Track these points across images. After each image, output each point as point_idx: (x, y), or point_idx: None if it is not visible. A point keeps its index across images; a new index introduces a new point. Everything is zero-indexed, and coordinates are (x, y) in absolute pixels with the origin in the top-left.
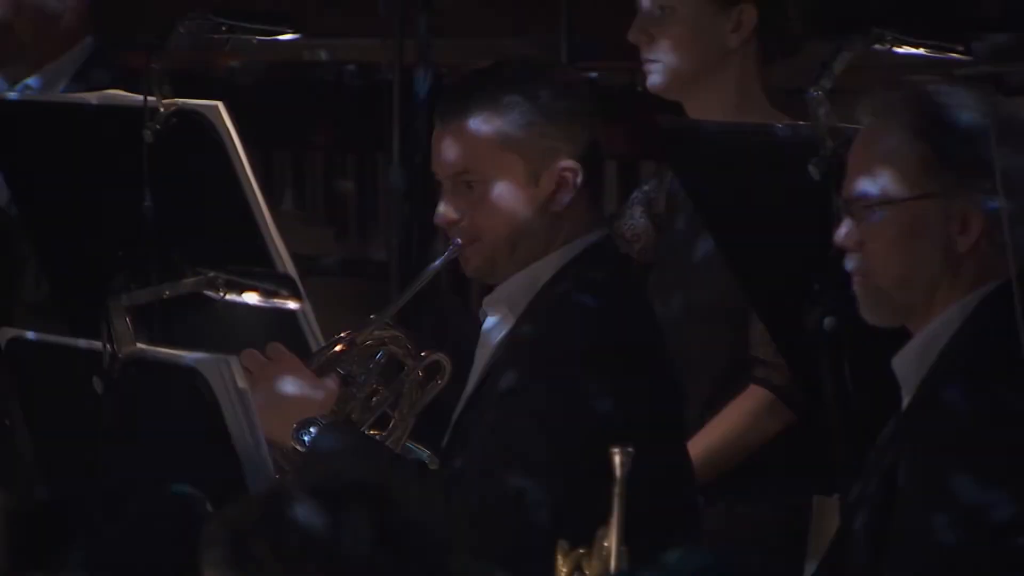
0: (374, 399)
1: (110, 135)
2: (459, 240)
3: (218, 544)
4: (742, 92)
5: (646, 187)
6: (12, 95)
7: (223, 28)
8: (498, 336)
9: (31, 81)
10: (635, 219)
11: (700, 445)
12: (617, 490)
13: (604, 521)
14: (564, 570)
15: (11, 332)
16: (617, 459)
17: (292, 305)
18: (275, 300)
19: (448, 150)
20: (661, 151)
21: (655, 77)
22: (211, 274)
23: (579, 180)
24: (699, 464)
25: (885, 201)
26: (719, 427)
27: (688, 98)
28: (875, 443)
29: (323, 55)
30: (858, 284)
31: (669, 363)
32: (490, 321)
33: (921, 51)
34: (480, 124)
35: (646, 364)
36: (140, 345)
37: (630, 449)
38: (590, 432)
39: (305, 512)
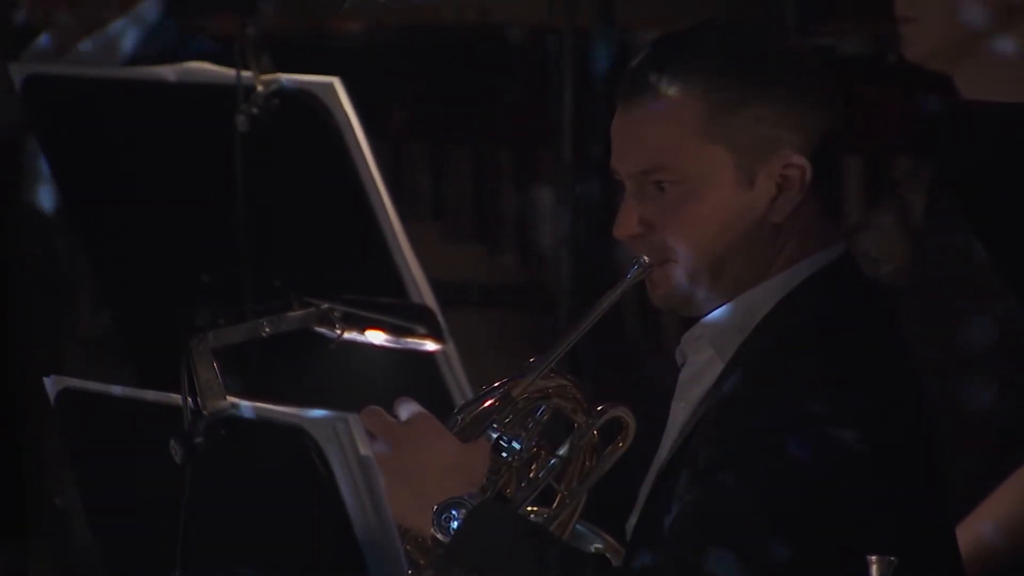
0: (534, 468)
1: (192, 121)
2: (646, 259)
3: None
4: None
5: (900, 190)
6: (60, 67)
7: None
8: (701, 386)
9: (84, 47)
10: (884, 232)
11: (971, 532)
12: None
13: None
14: None
15: (63, 381)
16: (875, 570)
17: (430, 346)
18: (408, 339)
19: (633, 141)
20: (921, 142)
21: (914, 42)
22: (324, 305)
23: (808, 181)
24: (970, 557)
25: None
26: (997, 507)
27: (960, 70)
28: None
29: (471, 16)
30: None
31: (930, 423)
32: (691, 366)
33: None
34: (676, 106)
35: (900, 426)
36: (231, 399)
37: (892, 559)
38: (826, 519)
39: None
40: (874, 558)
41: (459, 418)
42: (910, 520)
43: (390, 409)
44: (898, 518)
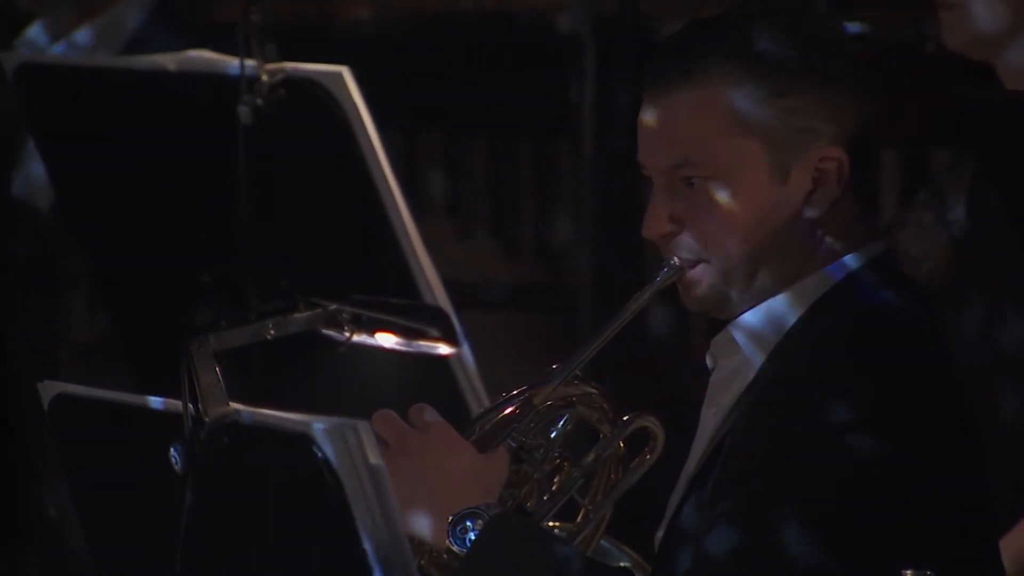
0: (556, 480)
1: (193, 112)
2: (676, 259)
3: None
4: None
5: (940, 184)
6: (55, 55)
7: None
8: (733, 392)
9: (79, 36)
10: (924, 229)
11: (1016, 546)
12: None
13: None
14: None
15: (57, 387)
16: None
17: (444, 349)
18: (421, 343)
19: (661, 135)
20: (962, 134)
21: (955, 29)
22: (332, 307)
23: (845, 175)
24: (1013, 573)
25: None
26: None
27: (1002, 59)
28: None
29: (487, 1)
30: None
31: (973, 430)
32: (721, 371)
33: None
34: (706, 98)
35: (941, 432)
36: (234, 405)
37: (929, 573)
38: (863, 531)
39: None
40: (909, 572)
41: (477, 427)
42: (951, 532)
43: (404, 416)
44: (938, 530)
